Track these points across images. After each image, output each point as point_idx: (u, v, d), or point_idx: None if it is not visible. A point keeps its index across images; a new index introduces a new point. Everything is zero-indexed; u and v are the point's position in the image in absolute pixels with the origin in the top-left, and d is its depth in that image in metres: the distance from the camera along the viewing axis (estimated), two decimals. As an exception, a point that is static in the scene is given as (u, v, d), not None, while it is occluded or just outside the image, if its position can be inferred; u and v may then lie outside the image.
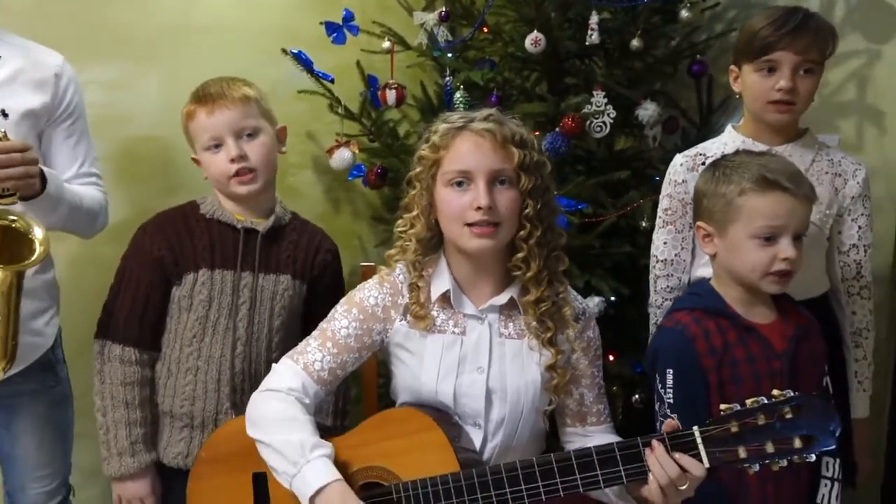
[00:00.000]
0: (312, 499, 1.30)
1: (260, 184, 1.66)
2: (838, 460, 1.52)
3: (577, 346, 1.48)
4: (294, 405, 1.39)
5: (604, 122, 2.31)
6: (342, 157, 2.38)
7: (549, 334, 1.44)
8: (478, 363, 1.43)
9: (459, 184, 1.39)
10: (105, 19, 2.29)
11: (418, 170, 1.44)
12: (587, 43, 2.25)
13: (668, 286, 1.83)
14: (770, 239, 1.44)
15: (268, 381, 1.44)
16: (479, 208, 1.36)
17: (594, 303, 2.15)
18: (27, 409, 1.72)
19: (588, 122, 2.30)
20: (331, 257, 1.79)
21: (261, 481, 1.41)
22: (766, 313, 1.52)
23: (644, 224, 2.19)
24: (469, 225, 1.37)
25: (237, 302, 1.64)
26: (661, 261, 1.84)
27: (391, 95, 2.43)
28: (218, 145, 1.63)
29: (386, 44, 2.40)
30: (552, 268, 1.44)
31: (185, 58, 2.35)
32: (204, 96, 1.64)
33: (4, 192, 1.48)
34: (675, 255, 1.82)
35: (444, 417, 1.42)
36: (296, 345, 1.48)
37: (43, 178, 1.57)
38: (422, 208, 1.44)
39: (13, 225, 1.51)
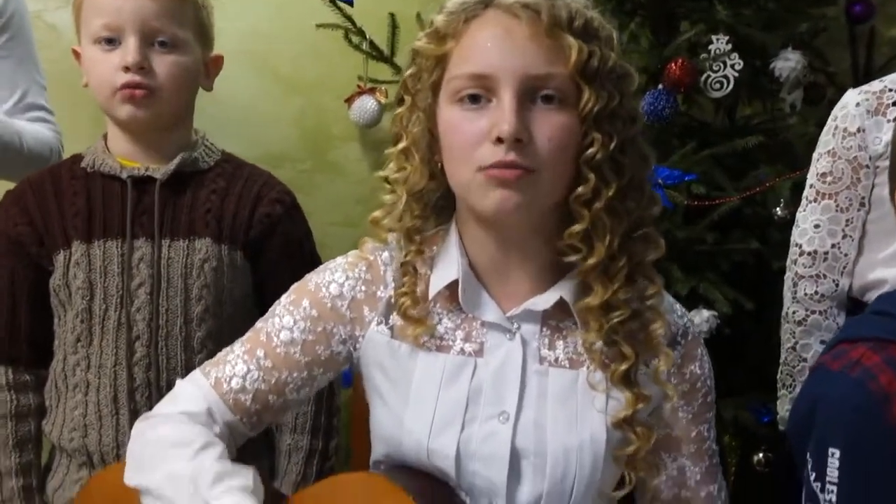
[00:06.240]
0: None
1: (154, 112, 1.07)
2: None
3: (672, 389, 0.84)
4: (190, 426, 0.82)
5: (725, 77, 1.64)
6: (364, 107, 1.81)
7: (624, 366, 0.80)
8: (501, 405, 0.81)
9: (474, 98, 0.78)
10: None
11: (411, 71, 0.83)
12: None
13: (816, 292, 1.16)
14: None
15: (159, 405, 0.88)
16: (499, 140, 0.75)
17: (702, 317, 1.48)
18: None
19: (705, 77, 1.64)
20: (281, 210, 1.14)
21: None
22: None
23: (780, 212, 1.50)
24: (485, 169, 0.77)
25: (129, 285, 1.07)
26: (808, 253, 1.17)
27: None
28: (112, 41, 1.06)
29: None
30: (635, 253, 0.81)
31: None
32: None
33: None
34: (833, 245, 1.15)
35: (437, 494, 0.80)
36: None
37: None
38: (414, 139, 0.83)
39: None
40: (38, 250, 1.08)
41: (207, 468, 0.77)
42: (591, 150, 0.76)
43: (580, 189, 0.77)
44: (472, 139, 0.76)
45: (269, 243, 1.13)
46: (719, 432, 1.50)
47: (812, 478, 0.82)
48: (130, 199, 1.07)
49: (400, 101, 0.84)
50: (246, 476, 0.78)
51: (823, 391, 0.84)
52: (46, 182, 1.11)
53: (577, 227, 0.78)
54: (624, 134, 0.78)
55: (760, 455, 1.44)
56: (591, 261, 0.78)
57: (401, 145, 0.83)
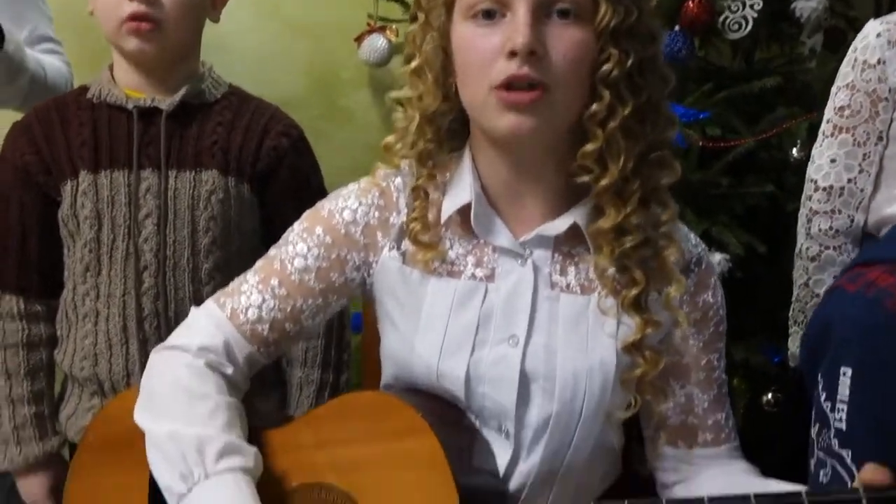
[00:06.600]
0: None
1: (160, 45, 1.05)
2: None
3: (683, 316, 0.84)
4: (204, 376, 0.82)
5: (744, 17, 1.61)
6: (373, 46, 1.79)
7: (634, 291, 0.80)
8: (510, 329, 0.81)
9: (487, 14, 0.76)
10: None
11: None
12: None
13: (830, 228, 1.14)
14: None
15: (175, 335, 0.88)
16: (513, 53, 0.73)
17: (714, 260, 1.47)
18: None
19: (723, 18, 1.61)
20: (287, 143, 1.14)
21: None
22: None
23: (796, 154, 1.49)
24: (498, 89, 0.75)
25: (137, 215, 1.07)
26: (823, 189, 1.15)
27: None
28: None
29: None
30: (649, 177, 0.80)
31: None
32: None
33: None
34: (849, 180, 1.13)
35: (447, 415, 0.81)
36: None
37: None
38: (427, 58, 0.81)
39: None
40: (45, 180, 1.08)
41: (214, 439, 0.77)
42: (606, 67, 0.75)
43: (594, 107, 0.76)
44: (487, 56, 0.75)
45: (275, 177, 1.13)
46: (729, 375, 1.52)
47: (822, 398, 0.82)
48: (136, 130, 1.07)
49: (413, 19, 0.83)
50: (248, 454, 0.78)
51: (838, 311, 0.84)
52: (52, 112, 1.11)
53: (590, 147, 0.77)
54: (642, 52, 0.77)
55: (769, 395, 1.44)
56: (604, 182, 0.77)
57: (413, 64, 0.82)
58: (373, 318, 0.95)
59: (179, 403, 0.80)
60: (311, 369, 1.15)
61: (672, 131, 0.82)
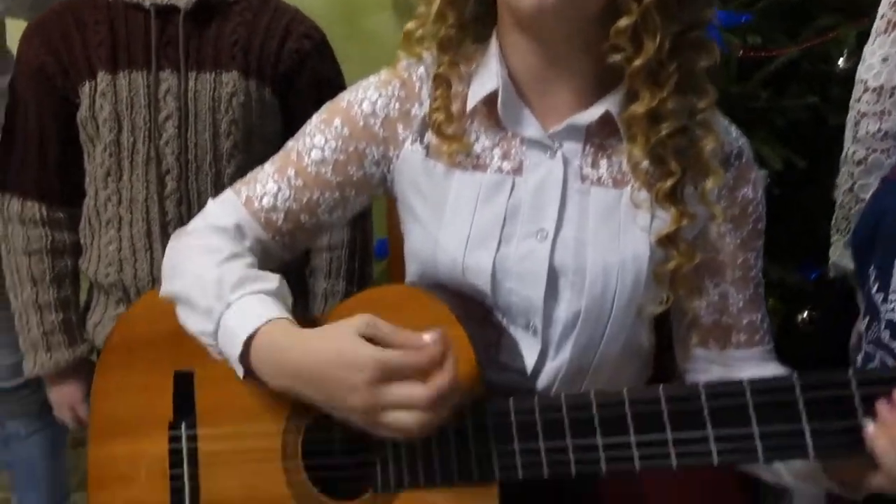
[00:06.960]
0: (246, 360, 0.73)
1: None
2: None
3: (720, 210, 0.80)
4: (217, 237, 0.82)
5: (789, -80, 1.52)
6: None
7: (669, 182, 0.76)
8: (538, 223, 0.79)
9: None
10: None
11: None
12: None
13: (879, 129, 1.07)
14: None
15: (191, 222, 0.87)
16: None
17: (752, 176, 1.42)
18: None
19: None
20: (310, 46, 1.12)
21: (184, 384, 0.86)
22: None
23: (842, 64, 1.41)
24: None
25: (157, 117, 1.05)
26: (874, 89, 1.08)
27: None
28: None
29: None
30: (686, 59, 0.75)
31: None
32: None
33: None
34: None
35: (473, 311, 0.79)
36: None
37: None
38: None
39: None
40: (62, 81, 1.07)
41: (233, 271, 0.77)
42: None
43: None
44: None
45: (298, 80, 1.11)
46: (764, 295, 1.48)
47: (873, 290, 0.79)
48: (154, 29, 1.05)
49: None
50: (271, 280, 0.77)
51: (893, 200, 0.80)
52: (67, 13, 1.09)
53: (623, 22, 0.72)
54: None
55: (805, 314, 1.41)
56: (639, 62, 0.73)
57: None
58: (398, 242, 0.92)
59: (196, 258, 0.80)
60: (336, 280, 1.14)
61: (710, 12, 0.77)
